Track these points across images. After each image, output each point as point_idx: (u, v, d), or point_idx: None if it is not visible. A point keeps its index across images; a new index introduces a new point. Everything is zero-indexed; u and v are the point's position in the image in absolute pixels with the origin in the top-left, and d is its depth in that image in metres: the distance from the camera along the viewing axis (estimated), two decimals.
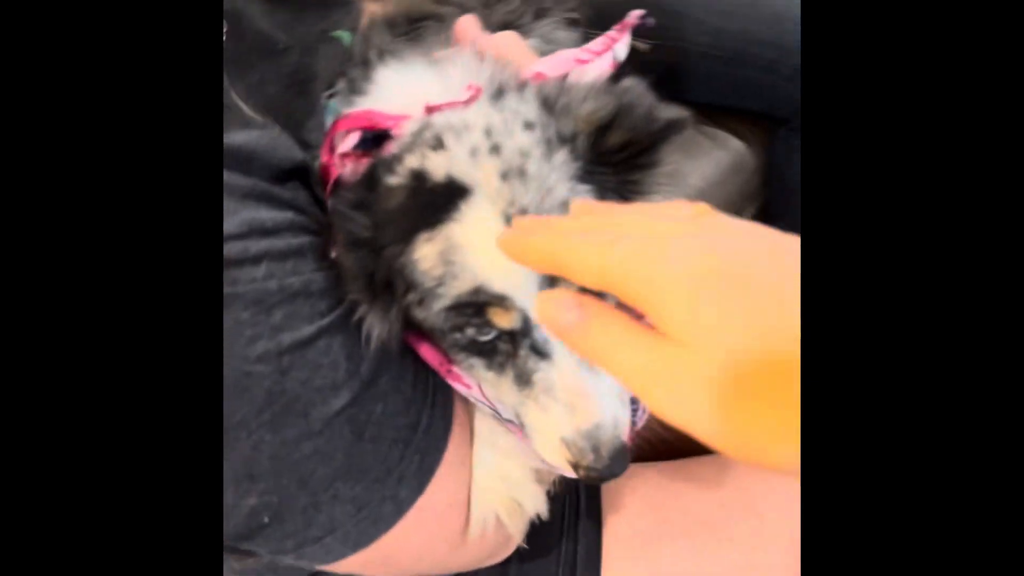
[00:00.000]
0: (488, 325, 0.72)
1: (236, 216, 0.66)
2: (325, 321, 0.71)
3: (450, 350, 0.78)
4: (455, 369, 0.81)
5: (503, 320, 0.71)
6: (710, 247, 0.41)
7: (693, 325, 0.38)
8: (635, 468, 1.04)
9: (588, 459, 0.70)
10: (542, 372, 0.72)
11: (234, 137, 0.69)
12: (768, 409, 0.36)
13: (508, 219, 0.69)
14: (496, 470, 0.86)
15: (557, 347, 0.72)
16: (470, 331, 0.73)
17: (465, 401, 0.86)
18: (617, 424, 0.71)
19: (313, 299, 0.71)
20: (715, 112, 1.62)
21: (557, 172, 0.70)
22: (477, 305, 0.71)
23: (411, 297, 0.74)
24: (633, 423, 0.80)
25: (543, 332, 0.71)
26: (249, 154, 0.70)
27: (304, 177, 0.78)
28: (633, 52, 1.41)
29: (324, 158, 0.81)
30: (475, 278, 0.70)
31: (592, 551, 0.98)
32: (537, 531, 0.95)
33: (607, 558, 0.98)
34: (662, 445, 1.14)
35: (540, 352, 0.72)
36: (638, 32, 0.93)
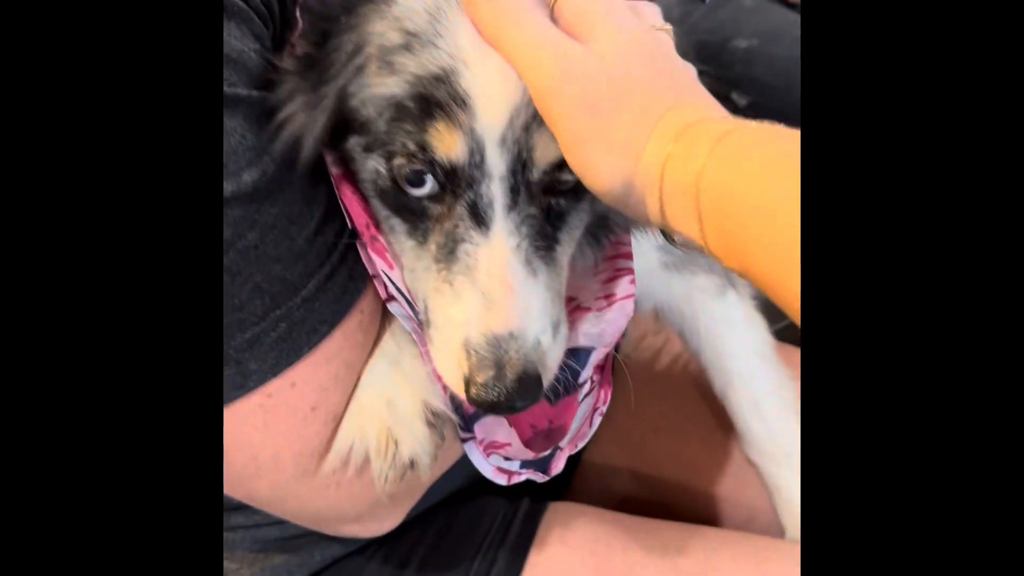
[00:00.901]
0: (427, 159, 0.58)
1: None
2: (227, 89, 0.59)
3: (375, 198, 0.64)
4: (380, 239, 0.66)
5: (448, 145, 0.57)
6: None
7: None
8: (585, 508, 0.93)
9: (486, 375, 0.56)
10: (470, 245, 0.58)
11: None
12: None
13: None
14: (384, 391, 0.70)
15: (499, 217, 0.59)
16: (401, 161, 0.59)
17: (379, 301, 0.71)
18: (537, 347, 0.58)
19: (225, 65, 0.59)
20: None
21: None
22: (428, 105, 0.57)
23: (356, 61, 0.60)
24: (572, 382, 0.66)
25: (490, 190, 0.58)
26: None
27: None
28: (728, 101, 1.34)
29: None
30: (450, 57, 0.56)
31: None
32: (449, 537, 0.84)
33: None
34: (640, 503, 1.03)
35: (478, 217, 0.59)
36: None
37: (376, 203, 0.65)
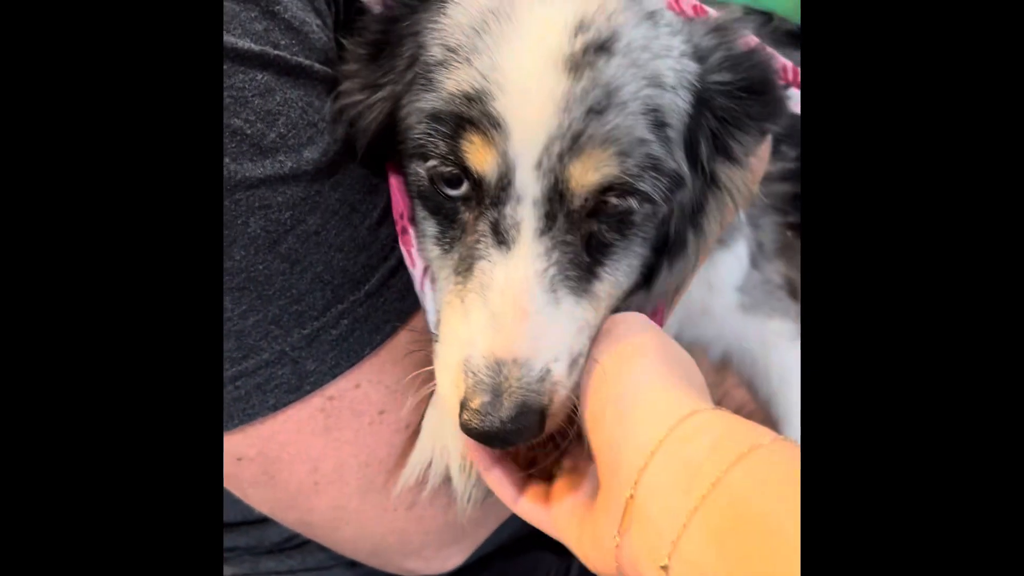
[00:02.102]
0: (459, 164, 0.56)
1: None
2: (277, 53, 0.55)
3: (416, 198, 0.61)
4: (410, 230, 0.63)
5: (480, 157, 0.55)
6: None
7: None
8: None
9: (480, 400, 0.51)
10: (488, 263, 0.55)
11: None
12: None
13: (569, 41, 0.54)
14: None
15: (526, 240, 0.55)
16: (434, 163, 0.57)
17: None
18: (545, 378, 0.53)
19: (273, 22, 0.56)
20: None
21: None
22: (459, 123, 0.55)
23: (408, 75, 0.59)
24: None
25: (516, 212, 0.56)
26: None
27: None
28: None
29: None
30: (484, 78, 0.55)
31: None
32: None
33: None
34: None
35: (500, 236, 0.56)
36: None
37: (417, 203, 0.62)
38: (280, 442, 0.60)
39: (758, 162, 0.77)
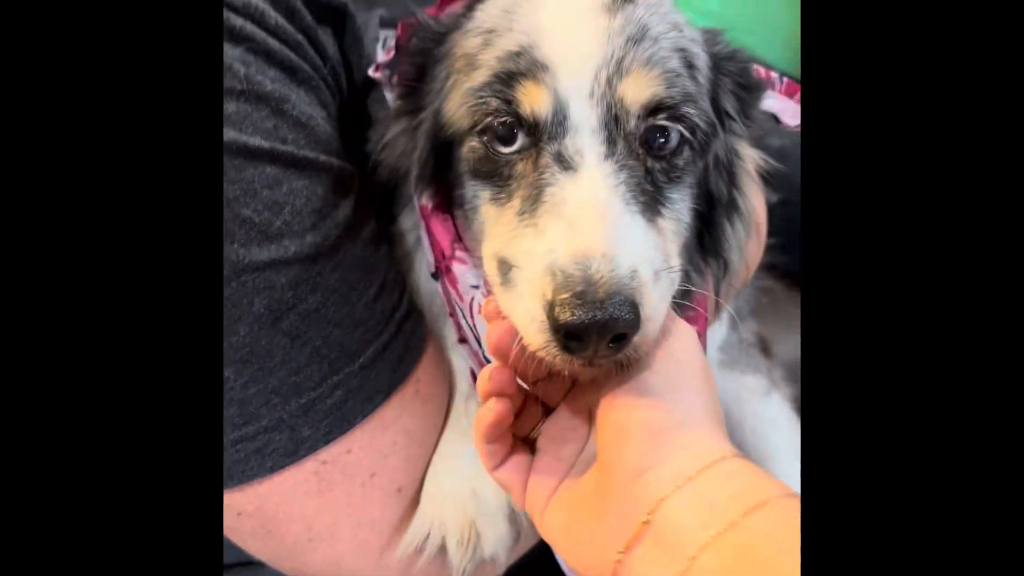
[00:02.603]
0: (513, 112, 0.59)
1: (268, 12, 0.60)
2: (285, 148, 0.60)
3: (470, 178, 0.63)
4: (454, 269, 0.66)
5: (533, 98, 0.58)
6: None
7: None
8: None
9: (572, 291, 0.49)
10: (557, 188, 0.56)
11: None
12: None
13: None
14: (469, 481, 0.67)
15: (592, 162, 0.57)
16: (490, 132, 0.60)
17: (440, 371, 0.69)
18: (634, 276, 0.51)
19: (281, 120, 0.60)
20: None
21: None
22: (511, 76, 0.59)
23: (447, 84, 0.64)
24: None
25: (577, 141, 0.58)
26: None
27: (338, 24, 0.70)
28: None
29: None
30: (526, 35, 0.60)
31: None
32: None
33: None
34: None
35: (565, 163, 0.57)
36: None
37: (470, 184, 0.64)
38: (276, 501, 0.63)
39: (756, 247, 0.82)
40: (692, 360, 0.57)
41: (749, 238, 0.73)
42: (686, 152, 0.63)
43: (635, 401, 0.54)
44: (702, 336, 0.73)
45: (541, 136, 0.59)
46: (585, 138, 0.58)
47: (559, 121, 0.58)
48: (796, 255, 1.47)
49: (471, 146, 0.63)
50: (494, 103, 0.60)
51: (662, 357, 0.56)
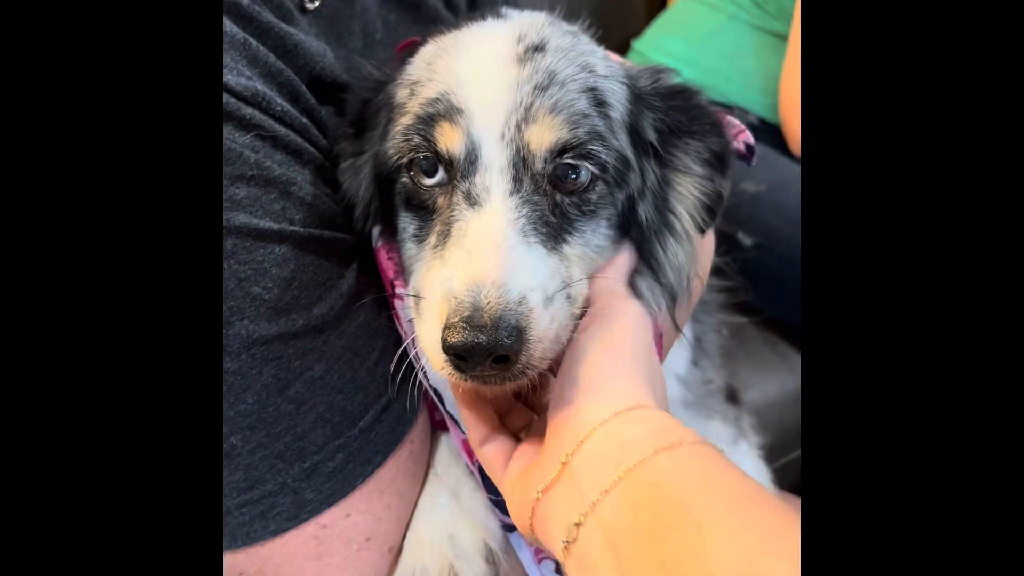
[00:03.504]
0: (432, 149, 0.64)
1: (251, 84, 0.63)
2: (292, 228, 0.63)
3: (403, 210, 0.69)
4: (399, 289, 0.70)
5: (448, 138, 0.63)
6: None
7: None
8: None
9: (460, 315, 0.54)
10: (463, 223, 0.61)
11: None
12: None
13: (517, 58, 0.65)
14: (446, 526, 0.70)
15: (496, 199, 0.61)
16: (416, 166, 0.65)
17: (429, 431, 0.74)
18: (523, 302, 0.56)
19: (289, 201, 0.64)
20: (793, 330, 1.54)
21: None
22: (430, 119, 0.64)
23: (383, 127, 0.69)
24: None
25: (485, 179, 0.62)
26: (295, 46, 0.68)
27: (339, 103, 0.75)
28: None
29: None
30: (444, 83, 0.64)
31: None
32: None
33: None
34: None
35: (472, 199, 0.61)
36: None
37: (402, 215, 0.69)
38: (276, 563, 0.65)
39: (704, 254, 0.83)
40: (621, 322, 0.62)
41: (688, 253, 0.74)
42: (599, 187, 0.67)
43: (568, 361, 0.59)
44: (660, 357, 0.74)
45: (456, 173, 0.64)
46: (493, 176, 0.62)
47: (471, 160, 0.63)
48: (768, 296, 1.47)
49: (403, 181, 0.68)
50: (416, 140, 0.65)
51: (594, 321, 0.62)
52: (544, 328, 0.57)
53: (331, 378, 0.65)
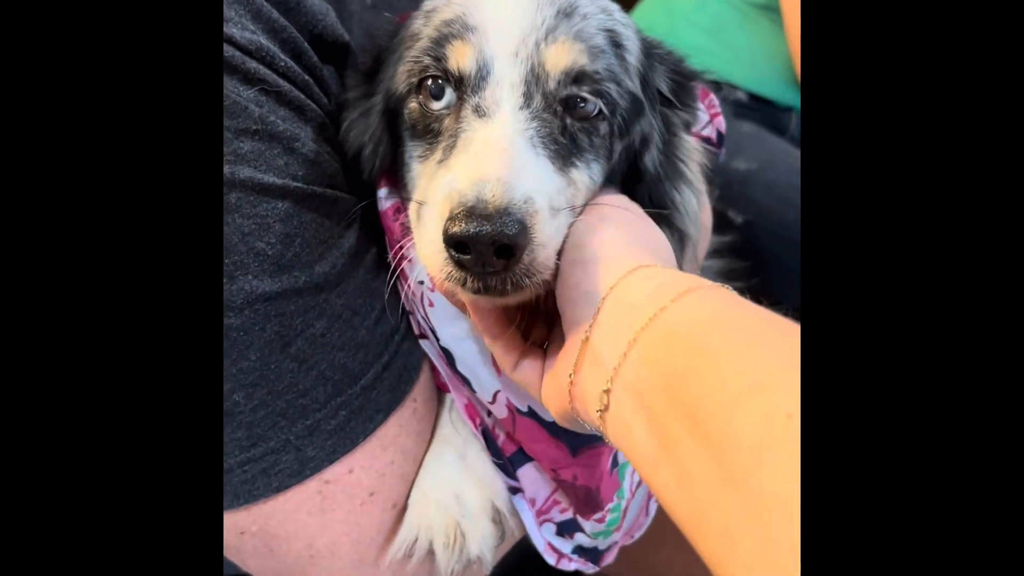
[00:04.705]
0: (442, 68, 0.64)
1: (255, 38, 0.62)
2: (296, 184, 0.63)
3: (408, 138, 0.68)
4: (406, 260, 0.68)
5: (459, 54, 0.63)
6: None
7: None
8: None
9: (464, 207, 0.53)
10: (471, 132, 0.60)
11: None
12: None
13: None
14: (452, 485, 0.71)
15: (506, 110, 0.61)
16: (424, 90, 0.65)
17: (434, 391, 0.74)
18: (527, 202, 0.55)
19: (292, 157, 0.64)
20: (783, 307, 1.55)
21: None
22: (442, 39, 0.64)
23: (396, 65, 0.69)
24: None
25: (496, 93, 0.62)
26: (298, 4, 0.68)
27: (340, 63, 0.74)
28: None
29: None
30: (461, 7, 0.65)
31: None
32: None
33: None
34: None
35: (481, 112, 0.61)
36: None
37: (408, 144, 0.69)
38: (279, 520, 0.65)
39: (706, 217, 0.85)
40: (610, 205, 0.63)
41: (701, 208, 0.75)
42: (604, 126, 0.67)
43: (567, 250, 0.59)
44: None
45: (465, 90, 0.63)
46: (504, 91, 0.62)
47: (482, 76, 0.63)
48: (759, 274, 1.47)
49: (410, 107, 0.68)
50: (426, 60, 0.65)
51: (585, 212, 0.62)
52: (548, 236, 0.56)
53: (332, 336, 0.65)
